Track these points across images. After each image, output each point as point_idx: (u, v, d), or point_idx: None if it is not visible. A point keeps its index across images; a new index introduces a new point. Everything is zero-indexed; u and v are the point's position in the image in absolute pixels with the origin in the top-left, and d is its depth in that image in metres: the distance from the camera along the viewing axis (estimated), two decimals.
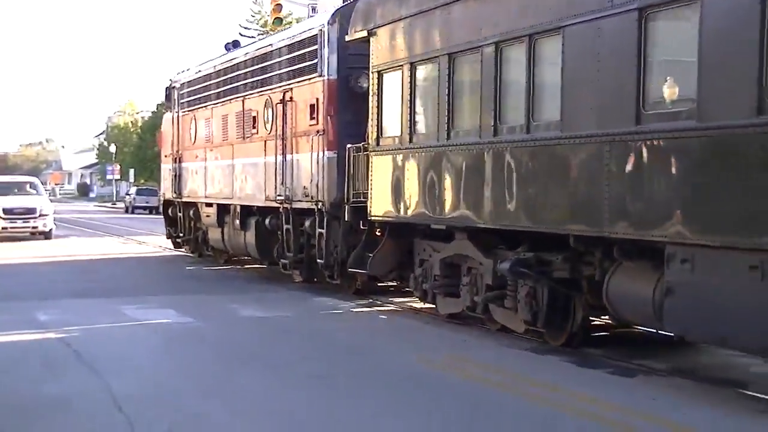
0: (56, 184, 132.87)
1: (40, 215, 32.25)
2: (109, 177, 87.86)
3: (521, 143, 11.36)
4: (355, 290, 16.68)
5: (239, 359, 11.07)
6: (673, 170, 9.14)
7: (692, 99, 8.91)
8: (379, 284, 16.83)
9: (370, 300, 16.18)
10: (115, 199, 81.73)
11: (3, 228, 31.96)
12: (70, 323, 13.47)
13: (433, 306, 14.18)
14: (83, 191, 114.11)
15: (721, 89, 8.55)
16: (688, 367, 10.48)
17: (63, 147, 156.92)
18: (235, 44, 22.92)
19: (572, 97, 10.49)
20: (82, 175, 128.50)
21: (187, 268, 22.62)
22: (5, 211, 31.98)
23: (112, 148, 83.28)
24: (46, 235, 32.57)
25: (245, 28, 61.77)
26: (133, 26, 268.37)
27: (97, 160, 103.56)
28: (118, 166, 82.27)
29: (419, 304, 14.96)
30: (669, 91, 9.40)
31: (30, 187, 35.43)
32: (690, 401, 8.88)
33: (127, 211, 63.12)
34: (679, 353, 11.12)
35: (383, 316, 14.65)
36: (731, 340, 8.89)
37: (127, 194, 68.57)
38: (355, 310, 15.30)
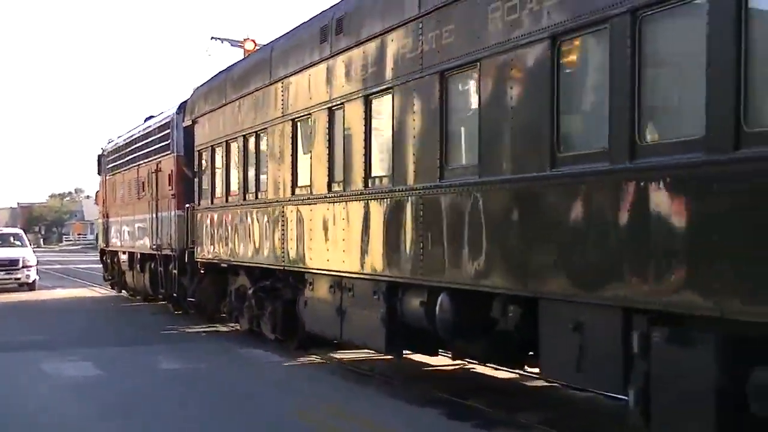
0: (78, 234, 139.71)
1: (23, 266, 33.73)
2: None
3: (248, 206, 16.74)
4: (208, 318, 21.77)
5: (122, 411, 11.74)
6: (282, 223, 14.45)
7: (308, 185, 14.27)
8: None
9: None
10: None
11: None
12: None
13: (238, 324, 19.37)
14: None
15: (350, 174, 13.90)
16: (557, 418, 10.54)
17: (87, 197, 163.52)
18: (150, 118, 28.44)
19: (262, 174, 15.85)
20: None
21: (114, 305, 27.96)
22: None
23: None
24: (30, 286, 33.93)
25: None
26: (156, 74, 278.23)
27: None
28: None
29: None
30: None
31: (14, 239, 37.56)
32: None
33: None
34: (552, 402, 11.59)
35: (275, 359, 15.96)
36: (325, 332, 14.14)
37: None
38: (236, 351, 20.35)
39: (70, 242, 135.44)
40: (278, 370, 14.86)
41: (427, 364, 14.54)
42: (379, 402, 11.96)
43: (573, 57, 8.63)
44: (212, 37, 36.20)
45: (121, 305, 27.62)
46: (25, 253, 35.23)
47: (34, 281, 34.42)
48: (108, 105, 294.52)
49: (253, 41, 31.03)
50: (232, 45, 36.16)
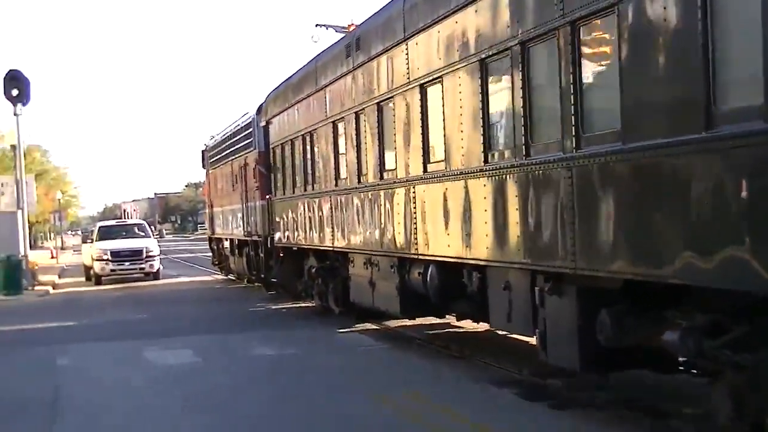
0: None
1: (146, 257, 35.87)
2: None
3: (308, 196, 19.77)
4: (293, 297, 24.88)
5: (208, 400, 12.27)
6: (329, 211, 17.39)
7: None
8: None
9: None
10: None
11: (112, 270, 35.77)
12: (80, 367, 15.72)
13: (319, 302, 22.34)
14: None
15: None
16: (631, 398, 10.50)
17: None
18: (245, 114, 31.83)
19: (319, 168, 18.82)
20: None
21: (218, 287, 31.57)
22: (113, 254, 35.57)
23: None
24: (155, 276, 36.07)
25: None
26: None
27: None
28: None
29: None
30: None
31: (138, 230, 39.51)
32: None
33: None
34: (628, 382, 10.91)
35: (367, 342, 16.81)
36: (363, 301, 17.03)
37: None
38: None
39: (205, 231, 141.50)
40: (363, 353, 15.57)
41: (511, 343, 14.65)
42: (458, 383, 12.36)
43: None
44: (317, 24, 38.02)
45: (228, 288, 31.16)
46: (148, 243, 37.01)
47: (157, 270, 36.28)
48: (230, 94, 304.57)
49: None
50: (337, 31, 38.68)
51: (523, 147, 10.33)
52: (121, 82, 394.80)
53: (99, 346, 18.20)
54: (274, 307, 24.01)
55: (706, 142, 7.23)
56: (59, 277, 42.90)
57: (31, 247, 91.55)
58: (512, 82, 10.55)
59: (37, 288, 34.51)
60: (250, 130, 25.82)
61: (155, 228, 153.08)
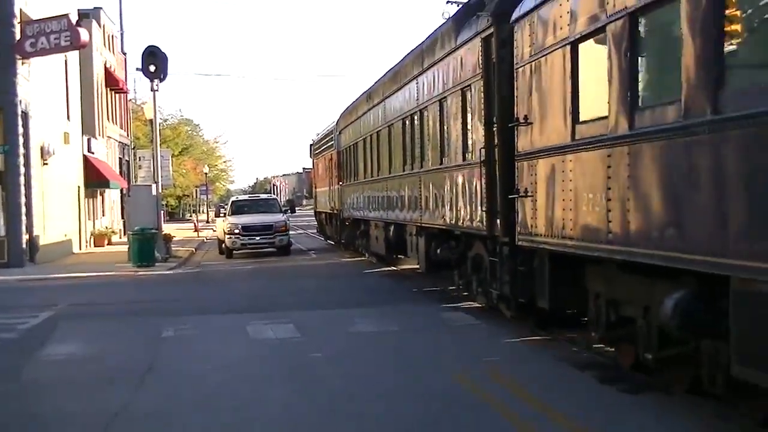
0: None
1: (275, 232, 38.67)
2: None
3: (355, 184, 33.26)
4: (388, 262, 37.21)
5: (291, 374, 13.06)
6: (361, 194, 30.81)
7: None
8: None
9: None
10: None
11: (242, 244, 38.66)
12: (181, 339, 16.69)
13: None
14: None
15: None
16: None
17: None
18: None
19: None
20: None
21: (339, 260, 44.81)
22: (244, 228, 38.57)
23: None
24: (285, 250, 38.96)
25: None
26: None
27: None
28: None
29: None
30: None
31: (269, 205, 43.08)
32: None
33: None
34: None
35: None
36: (371, 250, 30.41)
37: None
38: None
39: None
40: (458, 329, 16.87)
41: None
42: (541, 365, 12.99)
43: None
44: (447, 1, 45.60)
45: (338, 261, 35.89)
46: (278, 218, 39.88)
47: (287, 245, 39.45)
48: (371, 68, 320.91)
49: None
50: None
51: None
52: (284, 58, 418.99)
53: (206, 320, 19.39)
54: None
55: None
56: (195, 250, 46.09)
57: (177, 220, 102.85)
58: None
59: (170, 261, 37.20)
60: (332, 135, 39.53)
61: (303, 203, 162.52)
